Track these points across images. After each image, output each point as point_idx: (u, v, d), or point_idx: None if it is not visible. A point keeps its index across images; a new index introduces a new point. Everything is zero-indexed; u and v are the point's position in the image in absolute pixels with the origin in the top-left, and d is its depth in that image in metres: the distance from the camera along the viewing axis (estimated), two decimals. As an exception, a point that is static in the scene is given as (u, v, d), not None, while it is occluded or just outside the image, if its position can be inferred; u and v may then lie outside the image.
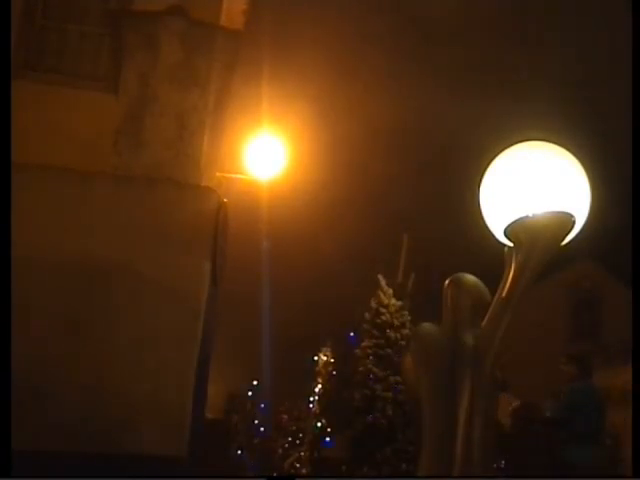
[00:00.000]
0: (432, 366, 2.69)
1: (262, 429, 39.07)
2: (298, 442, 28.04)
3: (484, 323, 2.59)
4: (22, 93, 5.34)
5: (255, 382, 38.61)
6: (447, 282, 2.84)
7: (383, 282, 16.24)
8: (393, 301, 16.00)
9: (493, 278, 2.65)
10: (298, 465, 24.04)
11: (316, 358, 25.78)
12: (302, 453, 24.59)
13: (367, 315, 16.20)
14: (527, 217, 2.45)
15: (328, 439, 22.05)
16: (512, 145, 2.58)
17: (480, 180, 2.61)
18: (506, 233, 2.55)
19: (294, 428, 30.44)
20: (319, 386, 24.91)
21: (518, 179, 2.48)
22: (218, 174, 7.52)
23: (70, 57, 6.98)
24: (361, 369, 15.62)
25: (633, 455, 3.29)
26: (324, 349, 25.19)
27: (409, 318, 15.77)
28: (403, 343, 14.99)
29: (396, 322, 15.69)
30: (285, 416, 33.30)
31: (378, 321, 15.78)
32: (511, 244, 2.57)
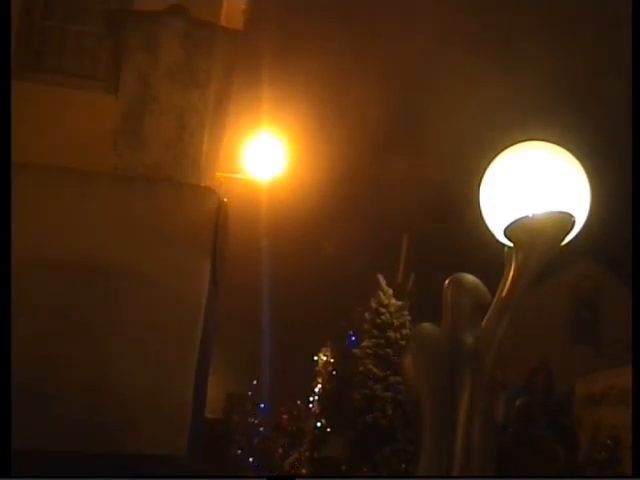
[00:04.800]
0: (432, 366, 2.69)
1: (262, 429, 39.08)
2: (298, 442, 28.02)
3: (484, 323, 2.59)
4: (22, 93, 5.34)
5: (255, 382, 38.63)
6: (447, 282, 2.84)
7: (383, 282, 16.26)
8: (393, 301, 16.01)
9: (493, 278, 2.65)
10: (298, 465, 24.03)
11: (316, 358, 25.79)
12: (302, 453, 24.59)
13: (367, 315, 16.22)
14: (527, 217, 2.45)
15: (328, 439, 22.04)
16: (512, 145, 2.58)
17: (480, 180, 2.61)
18: (506, 233, 2.55)
19: (294, 428, 30.44)
20: (319, 386, 24.92)
21: (518, 179, 2.48)
22: (218, 174, 7.52)
23: (70, 57, 6.99)
24: (361, 369, 15.63)
25: (633, 455, 3.29)
26: (324, 349, 25.19)
27: (409, 318, 15.79)
28: (403, 343, 15.01)
29: (396, 322, 15.71)
30: (285, 416, 33.30)
31: (378, 321, 15.80)
32: (511, 244, 2.57)
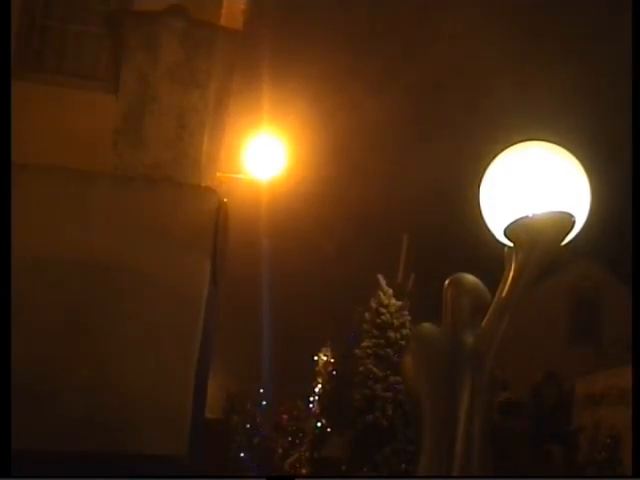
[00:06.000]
0: (432, 366, 2.69)
1: (262, 429, 39.04)
2: (298, 442, 28.00)
3: (484, 323, 2.58)
4: (22, 93, 5.34)
5: (255, 382, 38.60)
6: (447, 282, 2.84)
7: (383, 282, 16.25)
8: (393, 301, 15.99)
9: (493, 278, 2.65)
10: (298, 465, 24.01)
11: (316, 358, 25.77)
12: (302, 453, 24.58)
13: (367, 315, 16.21)
14: (527, 217, 2.45)
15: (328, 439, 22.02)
16: (512, 145, 2.58)
17: (480, 180, 2.61)
18: (506, 233, 2.55)
19: (294, 428, 30.42)
20: (319, 386, 24.90)
21: (518, 179, 2.48)
22: (218, 174, 7.52)
23: (70, 57, 7.00)
24: (361, 369, 15.62)
25: (633, 455, 3.29)
26: (324, 349, 25.18)
27: (409, 318, 15.77)
28: (403, 343, 15.00)
29: (396, 322, 15.69)
30: (285, 416, 33.26)
31: (378, 321, 15.78)
32: (511, 244, 2.57)
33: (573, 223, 2.48)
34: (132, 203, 5.23)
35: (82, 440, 4.67)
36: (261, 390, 37.81)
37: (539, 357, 14.06)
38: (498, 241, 2.63)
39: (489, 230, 2.61)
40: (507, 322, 2.53)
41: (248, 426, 36.10)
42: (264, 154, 9.48)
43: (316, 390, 25.29)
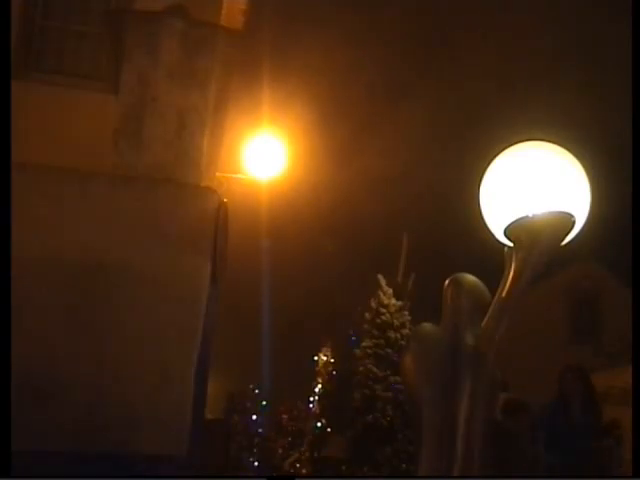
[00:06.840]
0: (432, 366, 2.69)
1: (262, 429, 39.08)
2: (298, 442, 28.01)
3: (484, 323, 2.58)
4: (22, 93, 5.34)
5: (255, 382, 38.66)
6: (447, 282, 2.84)
7: (383, 282, 16.27)
8: (393, 301, 16.03)
9: (493, 278, 2.65)
10: (298, 465, 24.02)
11: (316, 358, 25.80)
12: (302, 453, 24.59)
13: (367, 315, 16.23)
14: (527, 217, 2.45)
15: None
16: (512, 145, 2.58)
17: (480, 180, 2.61)
18: (506, 233, 2.55)
19: (294, 428, 30.45)
20: (319, 386, 24.93)
21: (518, 179, 2.48)
22: (218, 174, 7.51)
23: (70, 57, 6.99)
24: (361, 369, 15.65)
25: (633, 455, 3.29)
26: (324, 349, 25.21)
27: (409, 318, 15.80)
28: (403, 343, 15.02)
29: (396, 322, 15.72)
30: (285, 416, 33.28)
31: (378, 321, 15.81)
32: (511, 244, 2.57)
33: (573, 223, 2.48)
34: (132, 203, 5.23)
35: (82, 440, 4.67)
36: (256, 391, 37.75)
37: (539, 357, 14.06)
38: (498, 241, 2.63)
39: (489, 230, 2.61)
40: (507, 322, 2.53)
41: (249, 425, 36.14)
42: (264, 154, 9.47)
43: (316, 390, 25.31)
